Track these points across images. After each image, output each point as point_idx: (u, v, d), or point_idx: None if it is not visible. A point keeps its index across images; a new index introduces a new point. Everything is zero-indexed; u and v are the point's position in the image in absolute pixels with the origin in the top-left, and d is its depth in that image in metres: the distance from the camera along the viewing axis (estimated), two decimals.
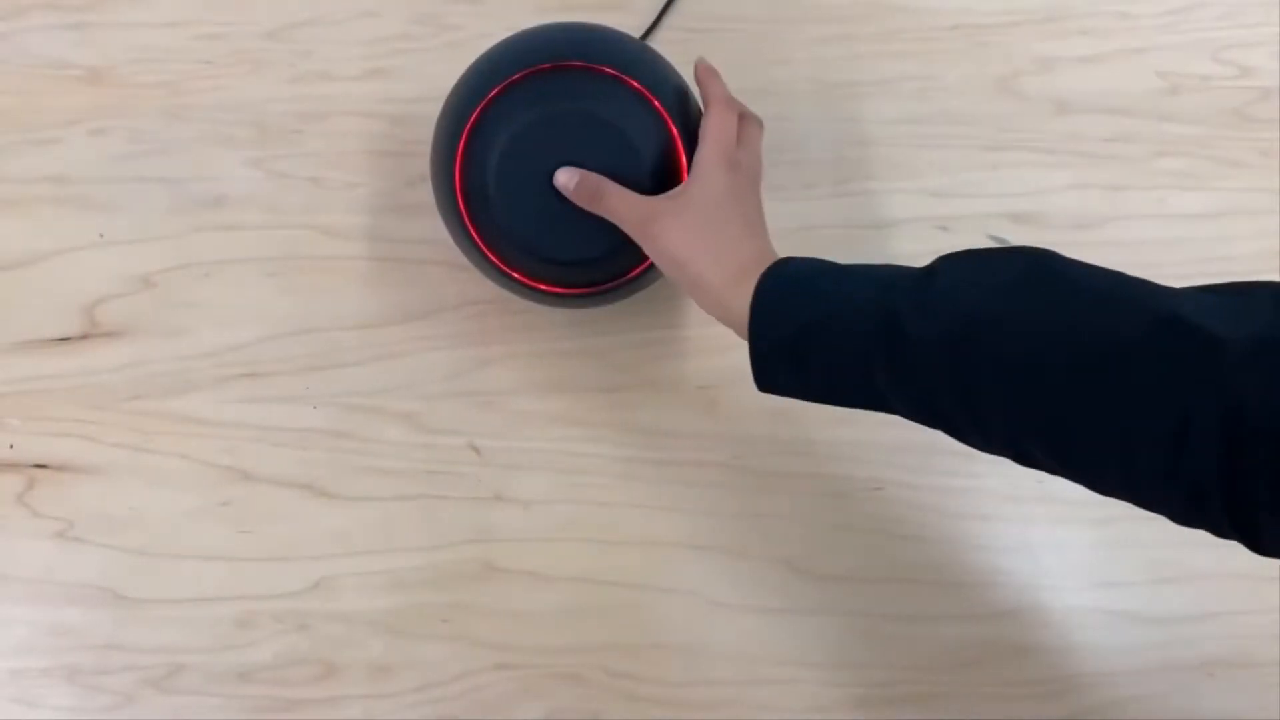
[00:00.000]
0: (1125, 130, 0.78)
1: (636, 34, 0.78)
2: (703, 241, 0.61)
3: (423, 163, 0.69)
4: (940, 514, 0.72)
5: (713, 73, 0.68)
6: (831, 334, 0.55)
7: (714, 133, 0.63)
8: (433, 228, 0.70)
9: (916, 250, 0.76)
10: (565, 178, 0.63)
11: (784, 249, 0.71)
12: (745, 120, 0.67)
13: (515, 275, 0.66)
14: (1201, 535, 0.47)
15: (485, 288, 0.71)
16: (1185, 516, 0.47)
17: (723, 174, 0.62)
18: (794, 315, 0.56)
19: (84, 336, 0.73)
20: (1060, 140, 0.78)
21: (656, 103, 0.64)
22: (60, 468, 0.71)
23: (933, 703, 0.69)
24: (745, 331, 0.58)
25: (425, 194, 0.69)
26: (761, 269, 0.58)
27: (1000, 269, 0.52)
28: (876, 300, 0.54)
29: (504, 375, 0.74)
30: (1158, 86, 0.79)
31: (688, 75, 0.68)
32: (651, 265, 0.65)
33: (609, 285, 0.67)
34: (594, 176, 0.63)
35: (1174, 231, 0.76)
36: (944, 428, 0.54)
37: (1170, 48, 0.80)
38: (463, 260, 0.69)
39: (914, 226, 0.76)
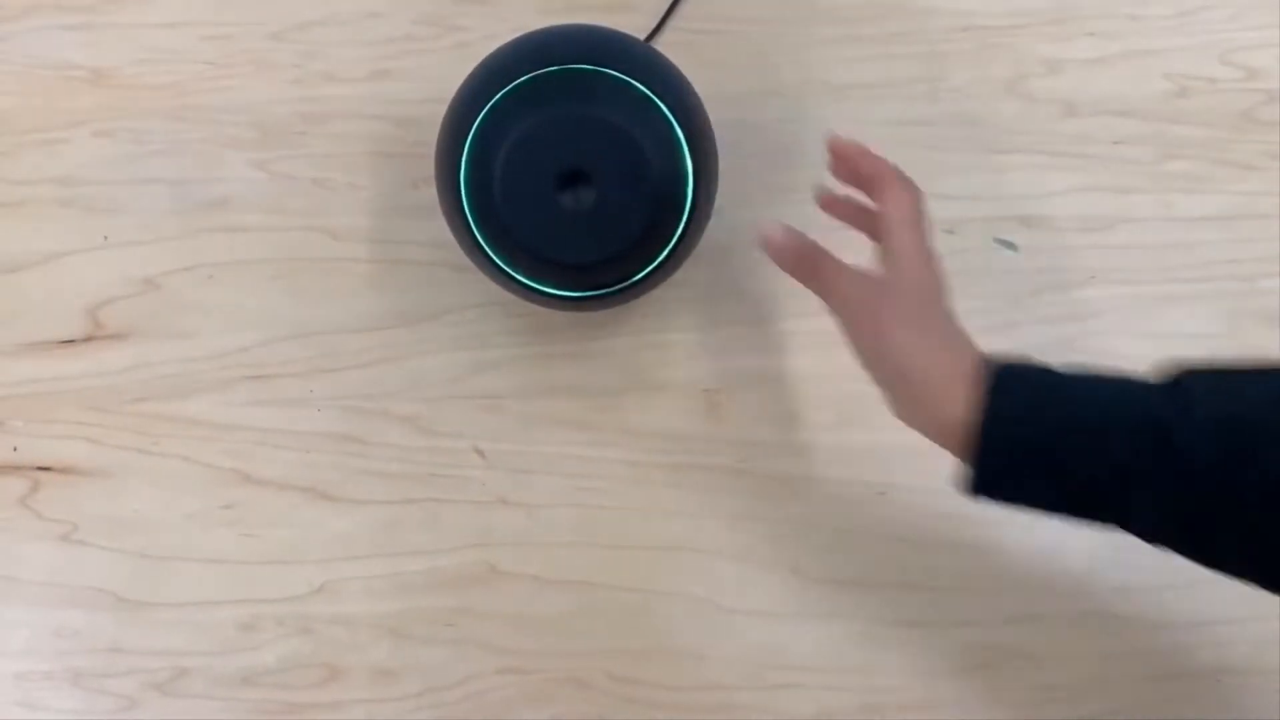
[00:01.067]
0: (1133, 133, 0.78)
1: (643, 34, 0.78)
2: (923, 336, 0.56)
3: (427, 165, 0.69)
4: (947, 518, 0.71)
5: (864, 149, 0.61)
6: (1084, 443, 0.51)
7: (911, 216, 0.58)
8: (437, 230, 0.70)
9: None
10: (777, 235, 0.60)
11: None
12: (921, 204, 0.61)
13: (519, 278, 0.66)
14: None
15: (489, 290, 0.70)
16: None
17: (929, 264, 0.58)
18: (1039, 422, 0.52)
19: (88, 339, 0.73)
20: (1068, 143, 0.78)
21: (662, 106, 0.64)
22: (64, 470, 0.71)
23: (939, 708, 0.69)
24: (958, 436, 0.53)
25: (430, 196, 0.69)
26: (980, 369, 0.54)
27: (1263, 382, 0.50)
28: (1132, 408, 0.50)
29: (508, 378, 0.73)
30: (1166, 89, 0.79)
31: (694, 78, 0.68)
32: (656, 269, 0.65)
33: (613, 288, 0.67)
34: (811, 243, 0.59)
35: (1182, 235, 0.76)
36: (1198, 550, 0.51)
37: (1178, 50, 0.80)
38: (467, 263, 0.69)
39: None
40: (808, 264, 0.60)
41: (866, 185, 0.62)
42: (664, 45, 0.78)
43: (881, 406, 0.73)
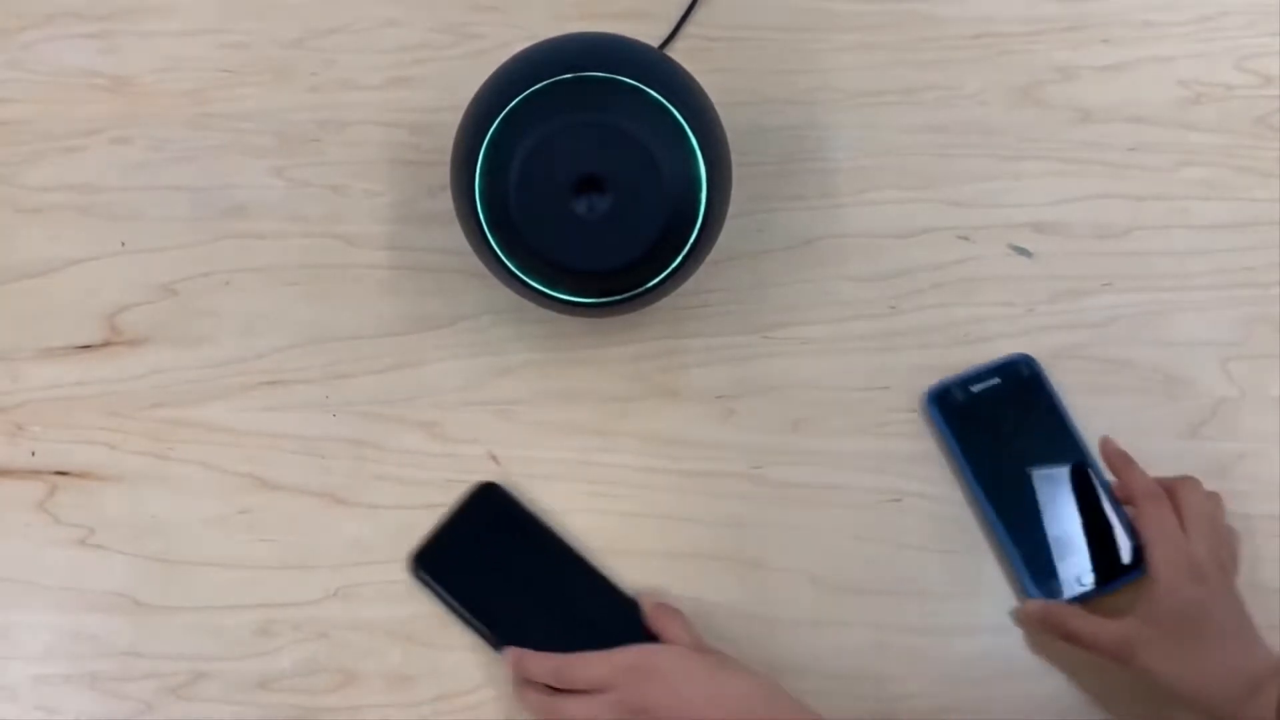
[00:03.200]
0: (1148, 139, 0.78)
1: (657, 42, 0.78)
2: (1190, 660, 0.59)
3: (443, 172, 0.69)
4: (959, 525, 0.71)
5: (1125, 458, 0.66)
6: None
7: (1158, 536, 0.62)
8: (453, 236, 0.70)
9: (938, 260, 0.75)
10: (1033, 608, 0.65)
11: (805, 258, 0.71)
12: (1189, 501, 0.63)
13: (534, 285, 0.66)
14: None
15: (504, 296, 0.71)
16: None
17: (1186, 585, 0.60)
18: None
19: (106, 344, 0.74)
20: (1082, 149, 0.78)
21: (676, 113, 0.64)
22: (82, 475, 0.72)
23: (953, 716, 0.69)
24: None
25: (446, 203, 0.70)
26: (1274, 674, 0.56)
27: None
28: None
29: (522, 384, 0.74)
30: (1180, 95, 0.79)
31: (708, 85, 0.68)
32: (670, 276, 0.65)
33: (627, 295, 0.67)
34: (1058, 608, 0.64)
35: (1197, 242, 0.76)
36: None
37: (1193, 56, 0.80)
38: (482, 269, 0.69)
39: (935, 236, 0.76)
40: (1060, 625, 0.63)
41: (1128, 501, 0.65)
42: (678, 52, 0.78)
43: (891, 412, 0.73)
